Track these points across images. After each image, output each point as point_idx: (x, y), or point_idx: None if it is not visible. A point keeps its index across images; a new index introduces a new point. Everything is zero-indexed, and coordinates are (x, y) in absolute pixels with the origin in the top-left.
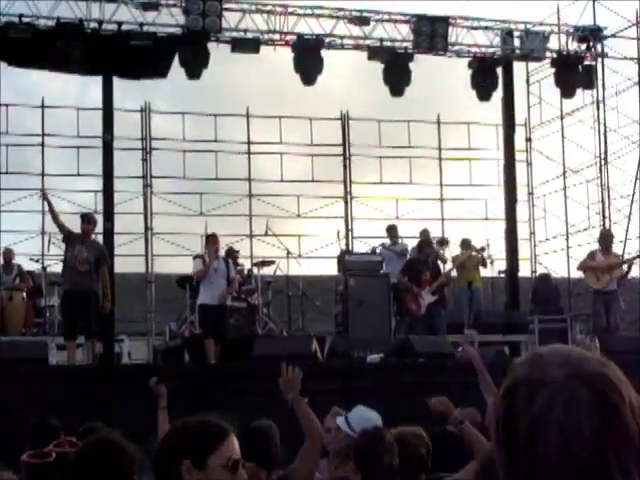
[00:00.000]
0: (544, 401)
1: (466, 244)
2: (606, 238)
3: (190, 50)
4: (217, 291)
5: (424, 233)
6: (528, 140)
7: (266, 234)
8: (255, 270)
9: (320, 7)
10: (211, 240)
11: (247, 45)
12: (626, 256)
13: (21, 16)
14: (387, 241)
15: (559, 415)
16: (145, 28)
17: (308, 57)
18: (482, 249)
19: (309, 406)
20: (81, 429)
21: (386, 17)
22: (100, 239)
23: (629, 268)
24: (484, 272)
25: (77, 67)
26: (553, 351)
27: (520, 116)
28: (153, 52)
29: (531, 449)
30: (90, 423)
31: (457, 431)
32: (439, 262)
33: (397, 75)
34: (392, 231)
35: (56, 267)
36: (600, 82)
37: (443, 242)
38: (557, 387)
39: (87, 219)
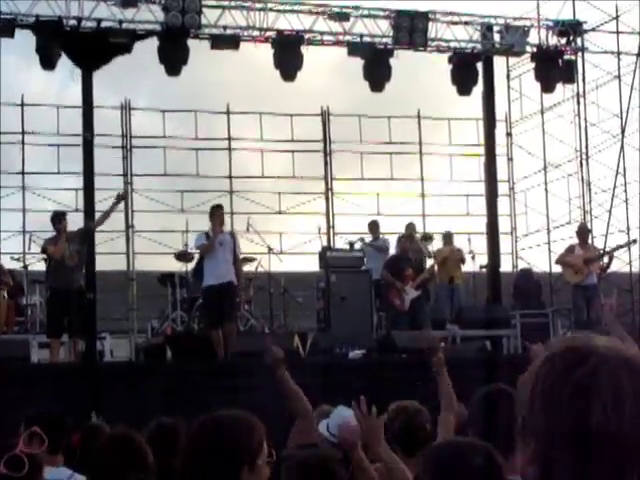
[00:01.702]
0: (590, 367)
1: (448, 237)
2: (584, 232)
3: (169, 47)
4: (223, 268)
5: (409, 227)
6: (509, 135)
7: (247, 231)
8: None
9: (300, 3)
10: (216, 211)
11: (227, 41)
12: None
13: None
14: (368, 237)
15: (603, 381)
16: (124, 25)
17: (288, 53)
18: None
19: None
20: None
21: (366, 13)
22: None
23: (610, 261)
24: (466, 267)
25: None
26: (588, 336)
27: (500, 111)
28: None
29: (575, 411)
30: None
31: (434, 374)
32: (424, 257)
33: (377, 71)
34: (374, 227)
35: (37, 266)
36: (580, 76)
37: (427, 237)
38: (602, 356)
39: (61, 216)
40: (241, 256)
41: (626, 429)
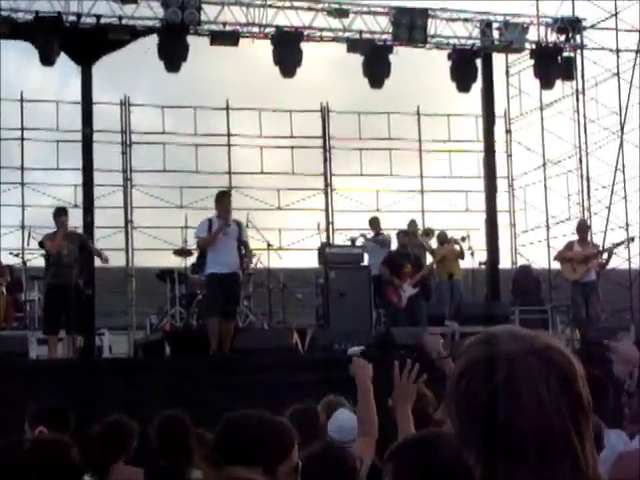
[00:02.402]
0: (504, 374)
1: (443, 237)
2: (583, 228)
3: (169, 43)
4: (227, 257)
5: (412, 224)
6: (508, 131)
7: (247, 227)
8: None
9: None
10: (222, 199)
11: (226, 38)
12: (605, 246)
13: None
14: (368, 233)
15: (518, 386)
16: (124, 22)
17: (287, 49)
18: (462, 239)
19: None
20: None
21: (365, 9)
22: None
23: (609, 257)
24: (465, 263)
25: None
26: (504, 330)
27: (500, 107)
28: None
29: (493, 418)
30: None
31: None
32: (425, 252)
33: (377, 67)
34: (375, 223)
35: (36, 261)
36: (579, 73)
37: (428, 232)
38: (514, 360)
39: (62, 211)
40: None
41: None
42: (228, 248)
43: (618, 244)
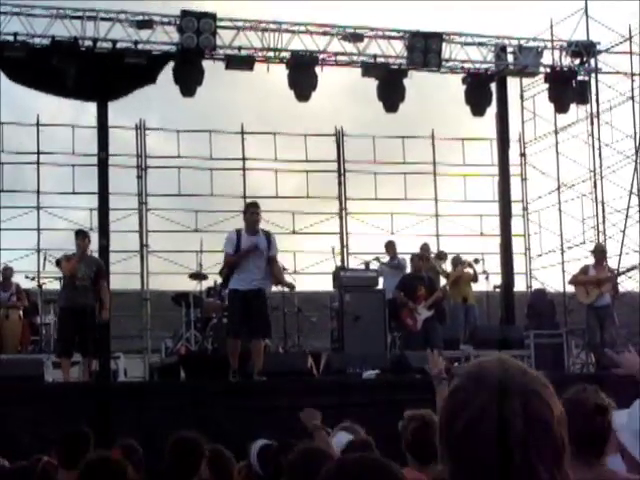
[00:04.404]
0: (476, 409)
1: (457, 260)
2: (599, 253)
3: (184, 68)
4: (252, 273)
5: (424, 248)
6: (522, 155)
7: None
8: None
9: (314, 24)
10: (250, 210)
11: (241, 62)
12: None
13: (16, 34)
14: (383, 256)
15: (490, 425)
16: (140, 46)
17: (302, 74)
18: (475, 261)
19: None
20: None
21: (380, 34)
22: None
23: (616, 279)
24: (480, 287)
25: (71, 89)
26: (493, 363)
27: (514, 131)
28: (144, 68)
29: (465, 449)
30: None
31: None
32: (439, 276)
33: (391, 91)
34: (390, 247)
35: (52, 285)
36: (594, 97)
37: (442, 256)
38: (489, 400)
39: (83, 235)
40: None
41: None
42: (254, 265)
43: (629, 269)
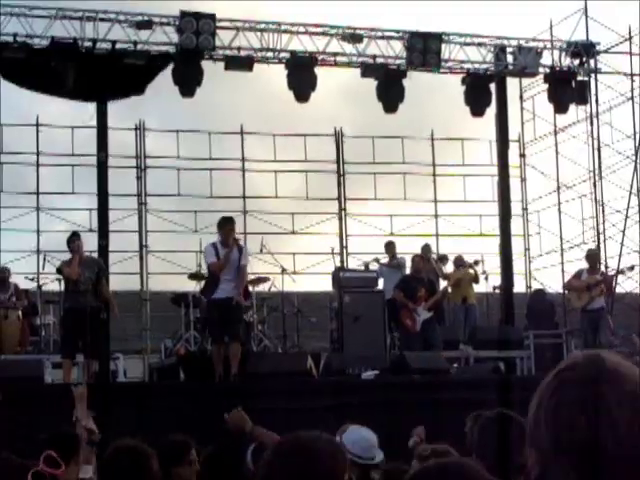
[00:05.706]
0: (596, 387)
1: (458, 261)
2: (592, 257)
3: (184, 68)
4: (225, 284)
5: (425, 248)
6: (522, 156)
7: (261, 251)
8: (250, 287)
9: (313, 25)
10: (225, 226)
11: (241, 63)
12: (611, 273)
13: (15, 35)
14: (383, 257)
15: (610, 402)
16: (139, 47)
17: (301, 74)
18: (476, 262)
19: (303, 422)
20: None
21: (379, 34)
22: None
23: (611, 280)
24: (479, 288)
25: (70, 90)
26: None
27: (514, 132)
28: (143, 70)
29: (577, 427)
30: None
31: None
32: (439, 278)
33: (390, 92)
34: (390, 247)
35: (51, 285)
36: (593, 97)
37: (443, 259)
38: (610, 375)
39: (76, 237)
40: (250, 274)
41: (626, 451)
42: (227, 274)
43: (621, 272)
